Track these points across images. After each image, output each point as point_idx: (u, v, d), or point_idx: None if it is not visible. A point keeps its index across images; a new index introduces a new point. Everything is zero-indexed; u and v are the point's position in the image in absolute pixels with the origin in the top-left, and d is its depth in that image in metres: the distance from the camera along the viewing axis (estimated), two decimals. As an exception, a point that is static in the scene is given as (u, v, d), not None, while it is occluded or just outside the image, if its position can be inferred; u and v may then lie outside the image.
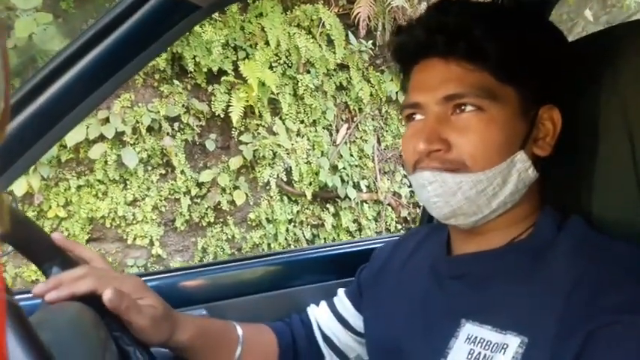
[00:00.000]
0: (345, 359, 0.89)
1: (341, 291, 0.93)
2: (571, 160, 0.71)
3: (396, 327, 0.75)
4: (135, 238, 3.05)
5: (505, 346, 0.58)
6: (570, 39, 0.76)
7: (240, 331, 0.81)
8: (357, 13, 3.47)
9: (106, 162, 2.93)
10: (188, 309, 0.96)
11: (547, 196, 0.70)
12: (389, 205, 3.77)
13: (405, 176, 3.82)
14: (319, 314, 0.91)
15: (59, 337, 0.46)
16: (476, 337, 0.61)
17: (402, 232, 3.62)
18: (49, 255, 0.65)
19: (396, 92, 3.71)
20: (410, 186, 3.79)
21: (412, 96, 0.68)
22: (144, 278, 0.98)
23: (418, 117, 0.68)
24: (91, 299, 0.62)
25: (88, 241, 2.96)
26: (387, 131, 3.79)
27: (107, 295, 0.61)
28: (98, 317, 0.59)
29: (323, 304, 0.92)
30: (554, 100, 0.66)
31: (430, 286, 0.72)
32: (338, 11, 3.56)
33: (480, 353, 0.60)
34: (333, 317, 0.90)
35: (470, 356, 0.61)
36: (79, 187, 2.92)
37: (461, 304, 0.66)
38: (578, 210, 0.68)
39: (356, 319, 0.88)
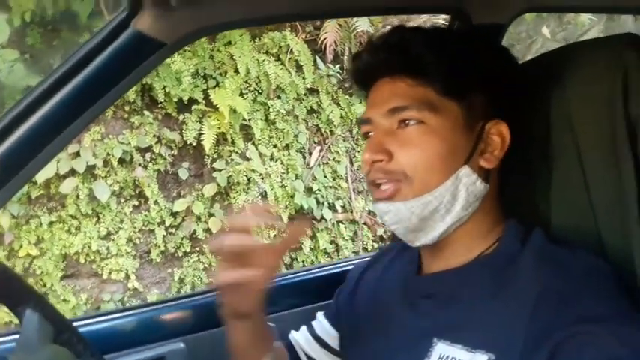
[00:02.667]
0: None
1: (320, 314, 0.94)
2: (529, 174, 0.75)
3: (372, 346, 0.76)
4: (110, 272, 3.00)
5: None
6: (530, 56, 0.80)
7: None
8: (324, 39, 3.54)
9: (77, 196, 2.89)
10: (165, 342, 0.95)
11: (508, 208, 0.73)
12: (365, 224, 3.79)
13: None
14: (301, 339, 0.91)
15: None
16: (448, 357, 0.63)
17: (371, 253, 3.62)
18: (21, 296, 0.64)
19: (366, 113, 3.76)
20: (385, 205, 3.83)
21: (365, 113, 0.73)
22: (120, 314, 0.98)
23: (371, 133, 0.72)
24: (68, 338, 0.61)
25: (62, 277, 2.90)
26: (358, 152, 3.84)
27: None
28: (74, 357, 0.59)
29: (303, 329, 0.93)
30: (503, 115, 0.69)
31: (402, 305, 0.74)
32: (305, 37, 3.63)
33: None
34: (313, 341, 0.90)
35: None
36: (51, 224, 2.87)
37: (432, 323, 0.68)
38: (537, 221, 0.71)
39: (333, 339, 0.89)
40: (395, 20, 3.79)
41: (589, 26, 4.11)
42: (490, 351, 0.59)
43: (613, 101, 0.64)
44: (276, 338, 0.79)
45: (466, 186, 0.67)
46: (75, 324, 0.75)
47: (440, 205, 0.66)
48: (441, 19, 3.43)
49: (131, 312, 0.98)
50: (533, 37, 4.19)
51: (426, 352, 0.65)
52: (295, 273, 1.25)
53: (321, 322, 0.92)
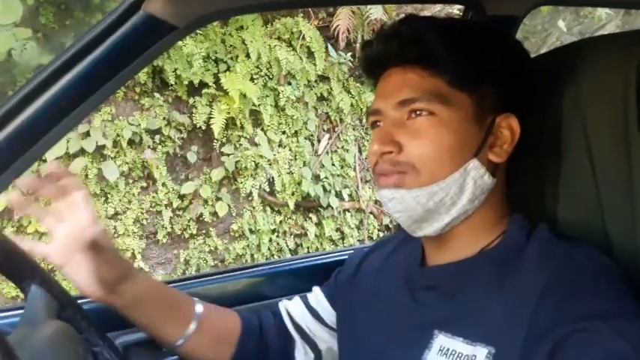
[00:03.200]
0: (316, 349, 0.89)
1: (316, 288, 0.93)
2: (537, 169, 0.75)
3: (371, 335, 0.76)
4: (117, 252, 3.03)
5: (473, 358, 0.59)
6: (545, 49, 0.80)
7: (200, 308, 0.81)
8: (337, 26, 3.52)
9: (86, 176, 2.91)
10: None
11: (514, 202, 0.73)
12: (371, 213, 3.80)
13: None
14: (291, 306, 0.91)
15: (38, 356, 0.47)
16: (448, 349, 0.63)
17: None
18: (27, 272, 0.65)
19: (377, 102, 3.75)
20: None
21: (374, 103, 0.72)
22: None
23: (380, 124, 0.71)
24: (72, 314, 0.63)
25: (68, 255, 2.93)
26: (367, 141, 3.83)
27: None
28: (76, 334, 0.60)
29: (296, 297, 0.93)
30: (514, 108, 0.69)
31: (404, 296, 0.74)
32: (317, 24, 3.61)
33: None
34: (305, 309, 0.90)
35: None
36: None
37: (433, 316, 0.68)
38: (543, 216, 0.71)
39: (329, 315, 0.89)
40: (409, 9, 3.76)
41: (606, 20, 4.05)
42: (490, 344, 0.59)
43: (626, 97, 0.63)
44: (196, 317, 0.80)
45: (474, 179, 0.66)
46: (79, 301, 0.76)
47: (446, 197, 0.65)
48: (456, 10, 3.40)
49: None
50: (549, 30, 4.13)
51: (427, 344, 0.65)
52: (300, 259, 1.26)
53: (316, 295, 0.91)
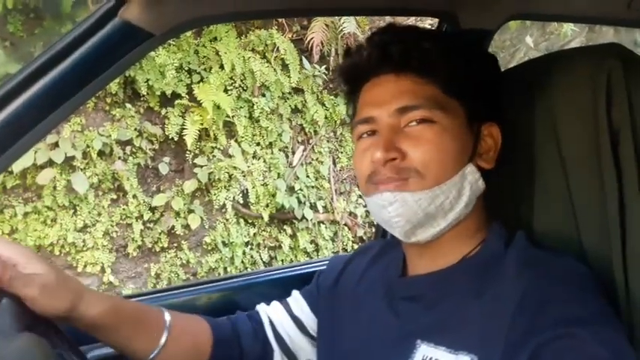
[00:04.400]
0: (294, 359, 0.86)
1: (296, 292, 0.91)
2: (512, 178, 0.76)
3: (352, 346, 0.76)
4: (85, 266, 2.95)
5: None
6: (513, 64, 0.82)
7: (168, 317, 0.76)
8: (311, 39, 3.54)
9: (54, 187, 2.84)
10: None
11: (491, 211, 0.74)
12: (345, 225, 3.81)
13: (361, 196, 3.87)
14: (272, 312, 0.87)
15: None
16: (431, 358, 0.63)
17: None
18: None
19: (349, 115, 3.78)
20: (366, 205, 3.85)
21: (365, 111, 0.71)
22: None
23: (368, 134, 0.71)
24: (45, 329, 0.60)
25: (34, 270, 2.84)
26: (342, 153, 3.85)
27: None
28: (49, 348, 0.58)
29: (276, 303, 0.89)
30: (494, 118, 0.71)
31: (385, 306, 0.74)
32: (292, 37, 3.63)
33: None
34: (288, 317, 0.87)
35: None
36: (25, 214, 2.81)
37: (415, 326, 0.68)
38: (520, 224, 0.72)
39: (310, 321, 0.87)
40: (381, 22, 3.82)
41: (571, 37, 4.19)
42: (472, 352, 0.59)
43: (596, 108, 0.65)
44: (167, 328, 0.76)
45: (470, 183, 0.67)
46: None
47: (446, 201, 0.66)
48: (427, 23, 3.46)
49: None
50: (517, 45, 4.25)
51: (409, 354, 0.65)
52: (273, 270, 1.25)
53: (297, 300, 0.89)
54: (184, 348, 0.78)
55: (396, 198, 0.66)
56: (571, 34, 4.21)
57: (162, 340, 0.74)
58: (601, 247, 0.65)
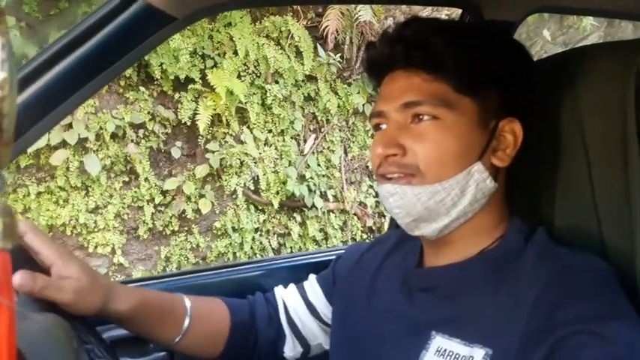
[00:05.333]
0: (306, 345, 0.88)
1: (312, 276, 0.92)
2: (535, 174, 0.75)
3: (366, 334, 0.76)
4: (96, 246, 2.98)
5: (471, 359, 0.60)
6: None
7: (188, 302, 0.80)
8: (326, 27, 3.52)
9: (67, 168, 2.86)
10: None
11: (512, 206, 0.74)
12: (355, 214, 3.81)
13: (371, 186, 3.87)
14: (287, 296, 0.89)
15: (34, 348, 0.46)
16: (445, 350, 0.63)
17: (367, 241, 3.66)
18: (18, 265, 0.63)
19: (363, 104, 3.77)
20: (375, 196, 3.85)
21: (377, 105, 0.72)
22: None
23: (383, 126, 0.71)
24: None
25: (46, 249, 2.87)
26: (353, 142, 3.84)
27: (16, 281, 0.57)
28: (71, 329, 0.59)
29: (292, 287, 0.91)
30: (516, 113, 0.69)
31: (401, 297, 0.74)
32: (306, 24, 3.60)
33: None
34: (302, 302, 0.89)
35: None
36: (38, 194, 2.84)
37: (431, 317, 0.68)
38: (541, 220, 0.72)
39: (324, 308, 0.88)
40: (397, 12, 3.79)
41: (590, 31, 4.13)
42: (487, 346, 0.59)
43: (625, 105, 0.64)
44: (189, 315, 0.79)
45: (476, 182, 0.66)
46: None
47: (447, 197, 0.66)
48: (444, 14, 3.42)
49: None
50: (534, 39, 4.20)
51: (424, 345, 0.65)
52: (285, 258, 1.25)
53: (313, 286, 0.90)
54: (205, 331, 0.82)
55: (396, 190, 0.67)
56: (590, 29, 4.15)
57: (185, 325, 0.78)
58: (623, 243, 0.64)
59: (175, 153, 3.19)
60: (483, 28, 0.82)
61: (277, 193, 3.46)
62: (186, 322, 0.78)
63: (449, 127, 0.65)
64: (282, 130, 3.51)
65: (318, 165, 3.67)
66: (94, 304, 0.67)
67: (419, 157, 0.65)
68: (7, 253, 0.26)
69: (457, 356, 0.62)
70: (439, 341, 0.64)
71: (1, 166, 0.26)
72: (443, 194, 0.65)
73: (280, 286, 0.92)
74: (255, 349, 0.86)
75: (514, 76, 0.69)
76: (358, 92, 3.73)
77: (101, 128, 2.91)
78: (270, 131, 3.47)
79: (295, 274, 1.17)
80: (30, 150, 2.72)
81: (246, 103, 3.29)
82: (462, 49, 0.66)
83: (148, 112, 3.07)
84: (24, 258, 0.64)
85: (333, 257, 0.96)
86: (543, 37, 4.17)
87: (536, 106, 0.73)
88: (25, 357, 0.41)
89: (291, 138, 3.56)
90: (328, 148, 3.73)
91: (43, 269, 0.64)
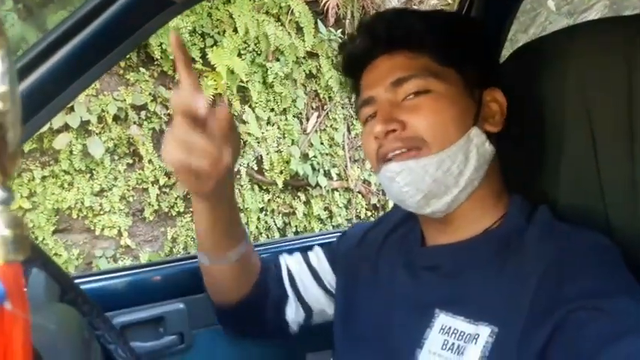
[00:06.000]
0: (309, 310, 0.89)
1: (317, 247, 0.93)
2: (539, 151, 0.75)
3: (370, 312, 0.77)
4: (103, 229, 3.00)
5: (477, 336, 0.61)
6: (533, 28, 0.81)
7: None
8: (326, 2, 3.47)
9: (71, 152, 2.86)
10: (167, 302, 0.96)
11: (514, 185, 0.73)
12: (359, 192, 3.81)
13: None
14: (291, 261, 0.91)
15: (46, 337, 0.47)
16: (450, 328, 0.64)
17: (372, 219, 3.67)
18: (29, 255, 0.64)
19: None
20: (379, 173, 3.84)
21: (365, 93, 0.73)
22: (119, 273, 0.98)
23: (371, 116, 0.72)
24: (74, 297, 0.62)
25: (54, 232, 2.90)
26: (356, 119, 3.82)
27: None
28: (81, 317, 0.60)
29: (296, 253, 0.92)
30: (495, 83, 0.72)
31: (405, 275, 0.74)
32: (307, -1, 3.55)
33: (453, 344, 0.62)
34: (306, 268, 0.90)
35: (444, 346, 0.63)
36: (43, 178, 2.85)
37: (435, 295, 0.69)
38: (544, 199, 0.72)
39: (328, 275, 0.89)
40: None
41: (595, 1, 4.05)
42: (493, 324, 0.60)
43: (632, 82, 0.63)
44: (247, 240, 0.81)
45: (477, 146, 0.68)
46: (76, 281, 0.75)
47: (453, 165, 0.66)
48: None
49: (132, 271, 0.98)
50: (538, 9, 4.13)
51: (428, 323, 0.66)
52: (293, 240, 1.26)
53: (317, 254, 0.91)
54: (249, 262, 0.84)
55: (402, 167, 0.66)
56: (595, -2, 4.07)
57: (242, 246, 0.80)
58: (629, 222, 0.64)
59: (178, 134, 3.17)
60: (458, 16, 0.89)
61: (281, 172, 3.46)
62: (244, 244, 0.80)
63: (442, 95, 0.67)
64: (285, 109, 3.49)
65: (322, 143, 3.66)
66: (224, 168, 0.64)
67: (421, 128, 0.66)
68: (19, 265, 0.26)
69: (462, 334, 0.62)
70: (443, 319, 0.65)
71: (7, 177, 0.25)
72: (448, 162, 0.66)
73: (285, 254, 0.93)
74: (265, 309, 0.86)
75: (484, 51, 0.75)
76: (351, 95, 3.68)
77: (103, 111, 2.90)
78: (272, 110, 3.45)
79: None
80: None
81: (247, 81, 3.26)
82: (438, 26, 0.71)
83: (150, 93, 3.05)
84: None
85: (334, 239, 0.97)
86: (548, 8, 4.10)
87: (530, 83, 0.75)
88: (37, 350, 0.41)
89: (294, 116, 3.54)
90: (331, 126, 3.71)
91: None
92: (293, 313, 0.88)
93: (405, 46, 0.69)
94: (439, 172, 0.66)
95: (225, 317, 0.88)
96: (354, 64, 0.76)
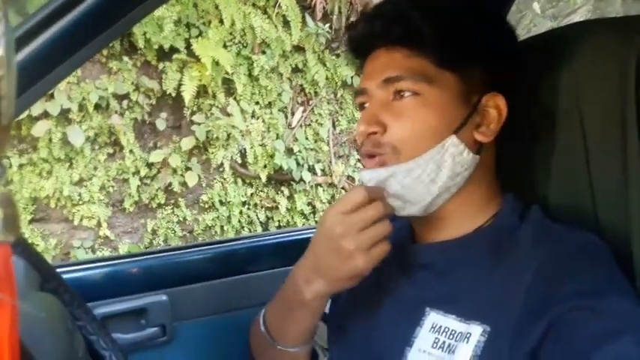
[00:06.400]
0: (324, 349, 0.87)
1: None
2: (529, 151, 0.75)
3: (360, 309, 0.76)
4: (81, 219, 2.95)
5: (468, 335, 0.60)
6: (519, 30, 0.79)
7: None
8: (314, -5, 3.45)
9: (50, 140, 2.80)
10: (149, 294, 0.95)
11: (506, 184, 0.74)
12: (343, 188, 3.81)
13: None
14: None
15: (29, 327, 0.45)
16: (440, 326, 0.63)
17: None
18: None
19: (352, 77, 3.72)
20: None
21: (360, 83, 0.72)
22: (101, 263, 0.96)
23: (367, 105, 0.71)
24: (55, 286, 0.60)
25: (30, 221, 2.84)
26: (342, 115, 3.81)
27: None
28: (62, 306, 0.58)
29: None
30: (500, 88, 0.68)
31: (396, 273, 0.74)
32: (294, -8, 3.52)
33: (444, 342, 0.62)
34: None
35: (435, 345, 0.63)
36: (21, 166, 2.79)
37: (426, 293, 0.68)
38: (535, 198, 0.72)
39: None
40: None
41: (580, 4, 4.11)
42: (485, 323, 0.60)
43: (624, 83, 0.63)
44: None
45: (452, 155, 0.65)
46: (58, 270, 0.73)
47: (423, 174, 0.65)
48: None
49: (114, 262, 0.96)
50: (524, 11, 4.17)
51: (419, 321, 0.66)
52: (277, 234, 1.25)
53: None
54: None
55: (372, 175, 0.67)
56: (580, 2, 4.13)
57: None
58: (618, 223, 0.64)
59: (160, 125, 3.13)
60: (472, 2, 0.80)
61: (265, 166, 3.44)
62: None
63: (429, 102, 0.65)
64: (270, 103, 3.47)
65: (306, 138, 3.64)
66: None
67: (396, 136, 0.66)
68: (8, 246, 0.24)
69: (453, 332, 0.62)
70: (434, 317, 0.65)
71: (0, 151, 0.24)
72: (418, 171, 0.65)
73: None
74: None
75: (496, 52, 0.68)
76: (347, 64, 3.67)
77: (84, 99, 2.85)
78: (257, 103, 3.42)
79: (283, 251, 1.17)
80: (11, 121, 2.65)
81: (232, 74, 3.23)
82: (442, 24, 0.66)
83: (132, 83, 3.00)
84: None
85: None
86: (533, 10, 4.14)
87: (527, 82, 0.72)
88: (20, 339, 0.40)
89: (279, 110, 3.52)
90: (316, 121, 3.70)
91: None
92: None
93: (402, 43, 0.67)
94: (407, 180, 0.65)
95: None
96: (356, 48, 0.75)
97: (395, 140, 0.65)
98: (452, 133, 0.65)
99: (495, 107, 0.68)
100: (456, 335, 0.61)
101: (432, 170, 0.65)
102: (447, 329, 0.63)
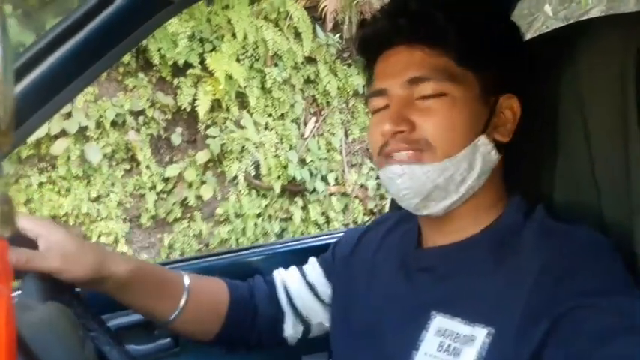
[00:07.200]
0: (307, 324, 0.87)
1: (312, 259, 0.91)
2: (534, 150, 0.75)
3: (366, 314, 0.76)
4: (100, 235, 2.99)
5: (473, 338, 0.60)
6: (531, 33, 0.79)
7: (187, 280, 0.78)
8: (324, 6, 3.48)
9: (68, 158, 2.86)
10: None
11: (511, 184, 0.73)
12: (356, 197, 3.81)
13: (372, 169, 3.86)
14: (287, 277, 0.88)
15: (39, 336, 0.46)
16: (446, 330, 0.63)
17: (367, 224, 3.66)
18: None
19: (363, 86, 3.74)
20: (377, 178, 3.84)
21: (377, 83, 0.71)
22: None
23: (383, 105, 0.70)
24: (68, 298, 0.61)
25: (50, 238, 2.88)
26: (354, 124, 3.82)
27: None
28: (75, 317, 0.59)
29: (292, 268, 0.90)
30: (514, 90, 0.69)
31: (401, 277, 0.74)
32: (305, 4, 3.56)
33: (449, 345, 0.61)
34: (302, 282, 0.88)
35: (440, 348, 0.62)
36: (40, 184, 2.84)
37: (430, 297, 0.68)
38: (540, 197, 0.72)
39: (324, 288, 0.87)
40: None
41: (592, 5, 4.07)
42: (489, 325, 0.59)
43: (625, 80, 0.63)
44: (185, 293, 0.78)
45: (482, 155, 0.66)
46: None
47: (456, 173, 0.65)
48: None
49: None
50: (535, 14, 4.15)
51: (424, 325, 0.65)
52: (289, 242, 1.25)
53: (313, 266, 0.90)
54: (202, 308, 0.80)
55: (404, 171, 0.65)
56: (592, 3, 4.09)
57: (182, 301, 0.77)
58: (622, 220, 0.64)
59: (176, 139, 3.18)
60: (482, 2, 0.81)
61: (278, 177, 3.46)
62: (184, 297, 0.77)
63: (455, 101, 0.65)
64: (282, 114, 3.50)
65: (319, 148, 3.65)
66: (87, 267, 0.66)
67: (429, 132, 0.65)
68: (5, 240, 0.26)
69: (458, 335, 0.61)
70: (439, 321, 0.64)
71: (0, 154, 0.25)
72: (452, 170, 0.65)
73: (280, 268, 0.91)
74: (254, 330, 0.85)
75: (510, 54, 0.69)
76: (358, 73, 3.69)
77: (101, 116, 2.90)
78: (270, 115, 3.45)
79: (297, 258, 1.17)
80: (30, 140, 2.71)
81: (245, 87, 3.27)
82: (464, 24, 0.66)
83: (148, 99, 3.05)
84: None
85: (334, 240, 0.96)
86: (544, 13, 4.12)
87: (533, 84, 0.72)
88: (30, 347, 0.40)
89: (292, 122, 3.54)
90: (329, 131, 3.72)
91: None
92: (290, 329, 0.86)
93: (426, 41, 0.66)
94: (441, 179, 0.65)
95: (213, 344, 0.85)
96: (370, 47, 0.73)
97: (429, 136, 0.64)
98: (480, 132, 0.66)
99: (510, 108, 0.69)
100: (461, 338, 0.61)
101: (465, 170, 0.65)
102: (452, 332, 0.62)
